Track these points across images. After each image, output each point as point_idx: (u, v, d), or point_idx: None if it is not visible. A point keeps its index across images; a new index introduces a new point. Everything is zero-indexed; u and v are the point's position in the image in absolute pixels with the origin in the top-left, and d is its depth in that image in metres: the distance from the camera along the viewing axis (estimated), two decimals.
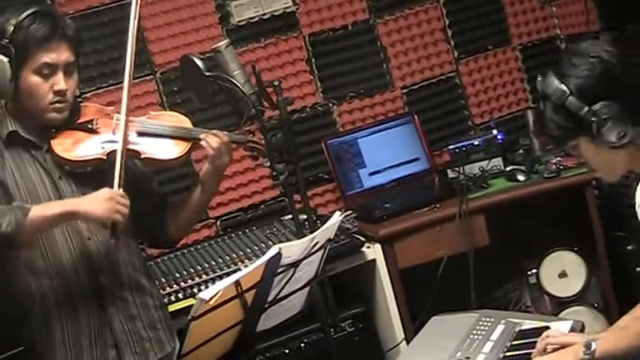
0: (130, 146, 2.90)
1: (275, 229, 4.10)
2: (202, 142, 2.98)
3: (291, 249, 2.54)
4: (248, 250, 3.92)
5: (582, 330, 2.99)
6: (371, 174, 4.42)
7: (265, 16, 4.43)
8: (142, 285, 3.00)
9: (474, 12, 4.78)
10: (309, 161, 4.50)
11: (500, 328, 3.09)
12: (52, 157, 2.86)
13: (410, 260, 4.01)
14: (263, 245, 3.93)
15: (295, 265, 2.60)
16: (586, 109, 2.27)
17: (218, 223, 4.38)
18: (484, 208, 4.06)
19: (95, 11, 4.19)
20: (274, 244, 3.67)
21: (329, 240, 2.78)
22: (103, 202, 2.72)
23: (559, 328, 2.91)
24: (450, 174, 4.36)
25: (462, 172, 4.27)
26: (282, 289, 2.64)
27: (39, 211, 2.70)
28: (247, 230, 4.16)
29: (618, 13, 4.20)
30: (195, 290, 3.68)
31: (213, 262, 3.89)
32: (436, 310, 3.38)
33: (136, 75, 3.80)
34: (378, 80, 4.64)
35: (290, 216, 4.26)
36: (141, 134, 2.99)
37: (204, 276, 3.79)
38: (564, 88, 2.30)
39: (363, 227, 4.12)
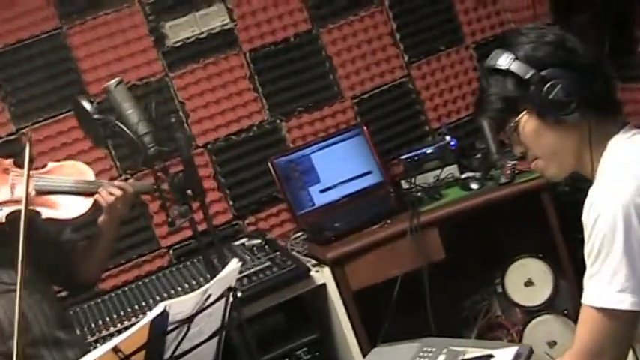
0: (30, 206, 2.75)
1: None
2: (96, 196, 2.91)
3: (180, 305, 2.37)
4: (201, 279, 3.77)
5: (530, 355, 2.84)
6: (322, 191, 4.25)
7: (202, 35, 4.27)
8: (60, 339, 2.86)
9: (422, 13, 4.57)
10: (262, 181, 4.34)
11: (441, 357, 2.95)
12: None
13: (363, 281, 3.83)
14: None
15: (189, 320, 2.43)
16: (532, 71, 2.02)
17: (170, 252, 4.23)
18: (437, 221, 3.87)
19: (25, 44, 4.05)
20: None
21: (229, 289, 2.60)
22: None
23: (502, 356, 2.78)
24: (405, 185, 4.18)
25: (413, 183, 4.09)
26: (179, 345, 2.46)
27: None
28: (200, 258, 4.00)
29: (568, 4, 4.01)
30: None
31: (165, 294, 3.75)
32: (394, 331, 3.25)
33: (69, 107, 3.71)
34: (327, 92, 4.46)
35: (241, 241, 4.13)
36: (40, 193, 2.86)
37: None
38: (510, 54, 2.07)
39: (313, 249, 3.96)
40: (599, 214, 1.94)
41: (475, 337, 4.33)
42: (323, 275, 3.79)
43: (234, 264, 2.60)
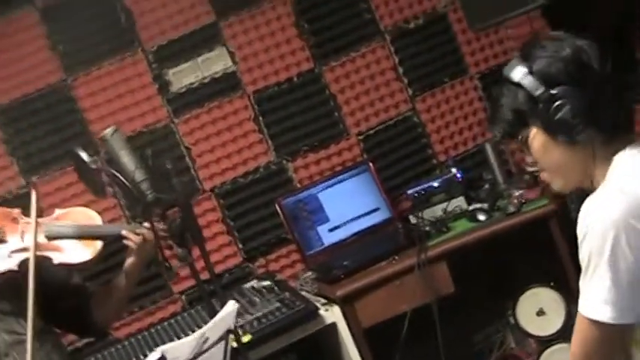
0: (40, 252, 2.78)
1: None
2: (125, 241, 2.94)
3: (177, 350, 2.38)
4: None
5: None
6: (330, 230, 4.25)
7: (205, 80, 4.31)
8: None
9: (425, 45, 4.57)
10: (270, 222, 4.35)
11: None
12: None
13: (373, 318, 3.81)
14: None
15: None
16: (542, 89, 2.02)
17: (183, 297, 4.24)
18: (445, 254, 3.86)
19: (30, 98, 4.11)
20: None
21: (229, 331, 2.61)
22: None
23: None
24: (413, 220, 4.17)
25: (421, 217, 4.07)
26: None
27: None
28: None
29: (566, 25, 3.99)
30: None
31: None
32: None
33: None
34: (332, 130, 4.46)
35: (251, 283, 4.13)
36: (50, 238, 2.89)
37: None
38: (524, 67, 2.06)
39: (323, 288, 3.95)
40: (591, 227, 1.95)
41: None
42: (333, 314, 3.78)
43: (231, 306, 2.61)
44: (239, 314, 3.75)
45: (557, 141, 2.07)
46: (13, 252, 2.81)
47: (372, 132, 4.51)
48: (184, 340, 2.45)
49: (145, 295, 4.18)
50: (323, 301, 3.87)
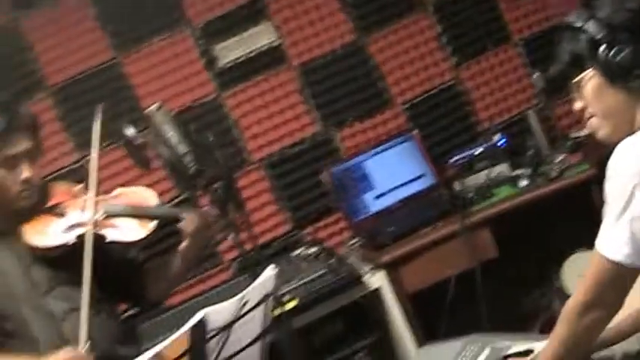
0: (96, 230, 2.90)
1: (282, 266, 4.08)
2: (180, 224, 2.99)
3: (218, 313, 2.48)
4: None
5: None
6: (376, 197, 4.32)
7: (252, 54, 4.41)
8: (119, 356, 2.99)
9: (466, 14, 4.61)
10: (318, 191, 4.45)
11: (484, 355, 2.99)
12: (23, 243, 2.90)
13: (417, 283, 3.90)
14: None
15: (228, 327, 2.54)
16: (605, 32, 2.08)
17: (233, 265, 4.37)
18: (489, 220, 3.93)
19: (83, 77, 4.25)
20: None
21: (267, 295, 2.71)
22: None
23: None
24: (457, 186, 4.23)
25: (465, 183, 4.14)
26: (220, 352, 2.58)
27: None
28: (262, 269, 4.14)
29: None
30: None
31: None
32: (451, 331, 3.30)
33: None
34: (377, 99, 4.54)
35: (299, 250, 4.24)
36: (107, 216, 3.01)
37: None
38: (588, 12, 2.12)
39: (368, 254, 4.05)
40: (616, 169, 2.03)
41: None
42: (378, 279, 3.88)
43: (270, 271, 2.70)
44: (286, 281, 3.88)
45: (612, 85, 2.11)
46: (71, 227, 2.94)
47: (416, 101, 4.57)
48: (225, 303, 2.54)
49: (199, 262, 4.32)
50: (369, 267, 3.96)
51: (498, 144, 4.19)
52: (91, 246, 2.77)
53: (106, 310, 2.98)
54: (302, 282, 3.83)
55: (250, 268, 4.19)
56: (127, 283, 3.16)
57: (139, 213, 3.03)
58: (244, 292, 2.58)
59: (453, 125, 4.60)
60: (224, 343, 2.56)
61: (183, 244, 3.07)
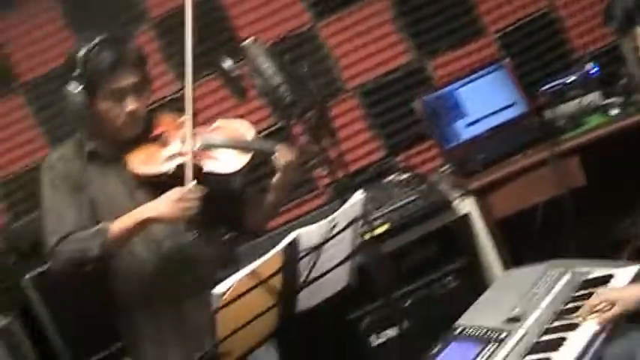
0: (195, 160, 3.08)
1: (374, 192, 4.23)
2: (274, 157, 3.10)
3: (309, 234, 2.63)
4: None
5: None
6: (468, 125, 4.39)
7: None
8: (220, 279, 3.18)
9: None
10: (411, 119, 4.55)
11: (564, 279, 3.09)
12: (128, 170, 3.11)
13: (506, 210, 3.99)
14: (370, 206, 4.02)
15: (318, 247, 2.69)
16: None
17: (328, 190, 4.53)
18: (578, 148, 3.97)
19: (178, 11, 4.38)
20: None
21: (355, 219, 2.84)
22: (172, 203, 2.91)
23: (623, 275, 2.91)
24: (548, 115, 4.27)
25: (554, 112, 4.17)
26: (312, 270, 2.74)
27: (116, 227, 2.95)
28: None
29: None
30: None
31: None
32: (538, 257, 3.39)
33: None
34: (470, 28, 4.60)
35: (392, 177, 4.36)
36: (206, 147, 3.18)
37: None
38: None
39: (459, 181, 4.14)
40: None
41: None
42: (467, 205, 3.98)
43: (358, 195, 2.83)
44: (379, 206, 4.02)
45: None
46: (172, 156, 3.11)
47: (509, 29, 4.60)
48: (315, 225, 2.70)
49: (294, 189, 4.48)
50: (458, 193, 4.06)
51: (590, 72, 4.21)
52: (191, 175, 2.96)
53: (206, 235, 3.16)
54: (393, 207, 3.96)
55: (344, 194, 4.38)
56: (226, 213, 3.31)
57: (235, 145, 3.16)
58: (333, 215, 2.72)
59: (546, 54, 4.62)
60: (314, 263, 2.72)
61: (276, 177, 3.19)
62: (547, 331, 2.76)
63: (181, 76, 4.30)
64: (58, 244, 2.99)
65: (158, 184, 3.08)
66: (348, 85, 4.53)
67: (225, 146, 3.16)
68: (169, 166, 3.06)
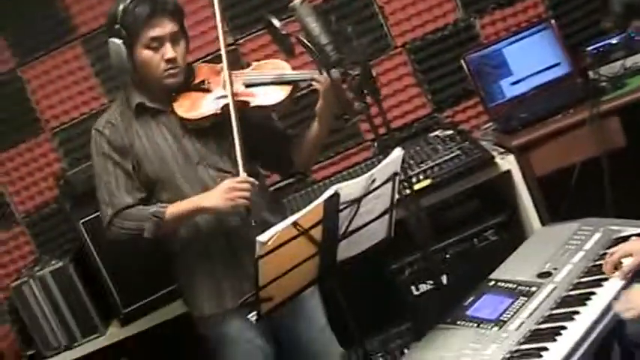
0: (239, 98, 3.27)
1: (419, 147, 4.37)
2: (313, 84, 3.30)
3: (349, 188, 2.79)
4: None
5: None
6: (513, 83, 4.48)
7: None
8: (266, 220, 3.33)
9: None
10: (458, 76, 4.65)
11: (596, 236, 3.23)
12: (174, 118, 3.30)
13: (546, 167, 4.08)
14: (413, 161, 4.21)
15: (358, 201, 2.85)
16: None
17: (374, 144, 4.66)
18: (618, 109, 4.03)
19: None
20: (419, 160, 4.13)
21: (395, 174, 2.98)
22: (225, 194, 3.14)
23: None
24: (592, 75, 4.34)
25: (598, 72, 4.25)
26: (351, 222, 2.89)
27: (171, 213, 3.20)
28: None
29: None
30: None
31: None
32: (576, 215, 3.50)
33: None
34: None
35: (436, 132, 4.49)
36: (247, 86, 3.35)
37: None
38: None
39: (501, 138, 4.26)
40: None
41: None
42: (508, 162, 4.09)
43: (397, 152, 2.98)
44: (422, 161, 4.15)
45: None
46: (216, 99, 3.31)
47: None
48: (355, 180, 2.85)
49: (340, 142, 4.64)
50: (501, 150, 4.18)
51: (635, 35, 4.26)
52: (236, 113, 3.16)
53: (257, 182, 3.33)
54: (436, 162, 4.08)
55: (387, 149, 4.52)
56: (274, 150, 3.52)
57: (275, 80, 3.35)
58: (373, 170, 2.88)
59: (592, 14, 4.64)
60: (354, 215, 2.89)
61: (318, 104, 3.35)
62: (576, 286, 2.91)
63: (232, 30, 4.52)
64: (112, 219, 3.28)
65: (205, 130, 3.31)
66: (397, 42, 4.64)
67: (265, 82, 3.36)
68: (215, 107, 3.27)
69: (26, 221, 4.70)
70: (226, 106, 3.23)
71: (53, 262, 4.17)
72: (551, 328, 2.68)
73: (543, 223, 4.06)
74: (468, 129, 4.61)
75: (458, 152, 4.13)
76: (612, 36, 4.32)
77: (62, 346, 4.18)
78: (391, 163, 2.95)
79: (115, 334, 4.22)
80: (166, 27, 3.22)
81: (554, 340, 2.60)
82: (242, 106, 3.26)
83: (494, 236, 4.12)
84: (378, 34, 4.62)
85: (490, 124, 4.48)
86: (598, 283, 2.87)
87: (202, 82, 3.37)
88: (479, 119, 4.68)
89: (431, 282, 4.05)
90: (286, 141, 3.55)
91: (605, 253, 3.02)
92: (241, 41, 4.57)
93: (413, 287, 4.10)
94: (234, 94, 3.22)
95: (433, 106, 4.70)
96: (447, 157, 4.10)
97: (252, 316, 2.73)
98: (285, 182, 4.47)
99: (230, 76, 3.25)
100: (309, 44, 3.15)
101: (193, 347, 3.69)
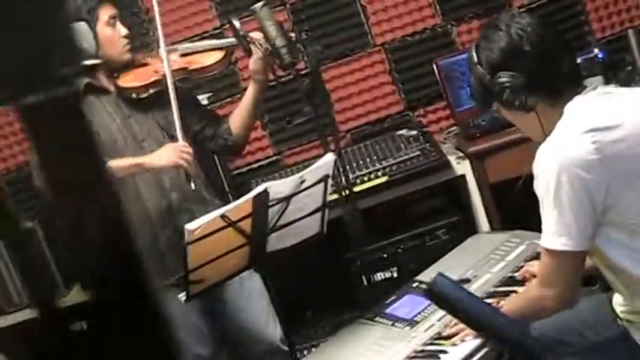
0: (177, 65, 3.58)
1: (384, 144, 4.61)
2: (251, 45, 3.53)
3: (279, 187, 3.04)
4: (367, 159, 4.47)
5: None
6: None
7: None
8: (204, 197, 3.67)
9: None
10: (431, 79, 4.86)
11: (520, 248, 3.45)
12: (119, 97, 3.60)
13: (499, 175, 4.29)
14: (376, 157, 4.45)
15: (287, 199, 3.10)
16: (488, 77, 2.52)
17: (348, 135, 4.92)
18: None
19: None
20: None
21: (327, 176, 3.21)
22: (167, 152, 3.42)
23: None
24: None
25: None
26: (280, 217, 3.14)
27: (114, 166, 3.39)
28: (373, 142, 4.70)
29: None
30: None
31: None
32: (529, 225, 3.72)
33: None
34: (497, 0, 4.86)
35: (402, 132, 4.72)
36: (184, 55, 3.68)
37: None
38: (474, 58, 2.58)
39: (461, 143, 4.49)
40: (541, 170, 2.45)
41: None
42: (463, 167, 4.32)
43: (329, 156, 3.21)
44: (384, 157, 4.38)
45: (513, 112, 2.57)
46: (155, 70, 3.58)
47: (533, 5, 4.85)
48: (285, 179, 3.12)
49: (313, 130, 4.85)
50: (460, 154, 4.40)
51: (597, 57, 4.47)
52: (171, 78, 3.45)
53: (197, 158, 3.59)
54: (396, 160, 4.31)
55: (363, 140, 4.76)
56: (213, 123, 3.78)
57: (208, 47, 3.69)
58: (302, 172, 3.13)
59: (566, 32, 4.81)
60: (283, 212, 3.14)
61: (251, 61, 3.57)
62: (492, 295, 3.15)
63: (222, 14, 4.77)
64: None
65: (148, 103, 3.60)
66: (376, 41, 4.87)
67: (199, 51, 3.70)
68: (156, 75, 3.55)
69: (5, 179, 4.91)
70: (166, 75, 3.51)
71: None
72: (455, 333, 2.88)
73: (493, 227, 4.30)
74: (434, 131, 4.85)
75: (417, 153, 4.34)
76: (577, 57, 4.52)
77: (23, 304, 4.43)
78: (322, 167, 3.17)
79: (76, 296, 4.42)
80: (113, 10, 3.56)
81: (454, 344, 2.84)
82: (182, 72, 3.59)
83: (446, 235, 4.33)
84: (358, 32, 4.86)
85: (455, 128, 4.71)
86: (509, 294, 3.10)
87: (142, 61, 3.69)
88: (449, 121, 4.91)
89: (382, 274, 4.29)
90: (216, 120, 3.81)
91: (522, 266, 3.25)
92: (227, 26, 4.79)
93: (365, 277, 4.28)
94: (170, 63, 3.51)
95: (406, 105, 4.93)
96: (406, 157, 4.33)
97: (182, 297, 2.99)
98: (258, 164, 4.75)
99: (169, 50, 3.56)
100: (266, 46, 3.42)
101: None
